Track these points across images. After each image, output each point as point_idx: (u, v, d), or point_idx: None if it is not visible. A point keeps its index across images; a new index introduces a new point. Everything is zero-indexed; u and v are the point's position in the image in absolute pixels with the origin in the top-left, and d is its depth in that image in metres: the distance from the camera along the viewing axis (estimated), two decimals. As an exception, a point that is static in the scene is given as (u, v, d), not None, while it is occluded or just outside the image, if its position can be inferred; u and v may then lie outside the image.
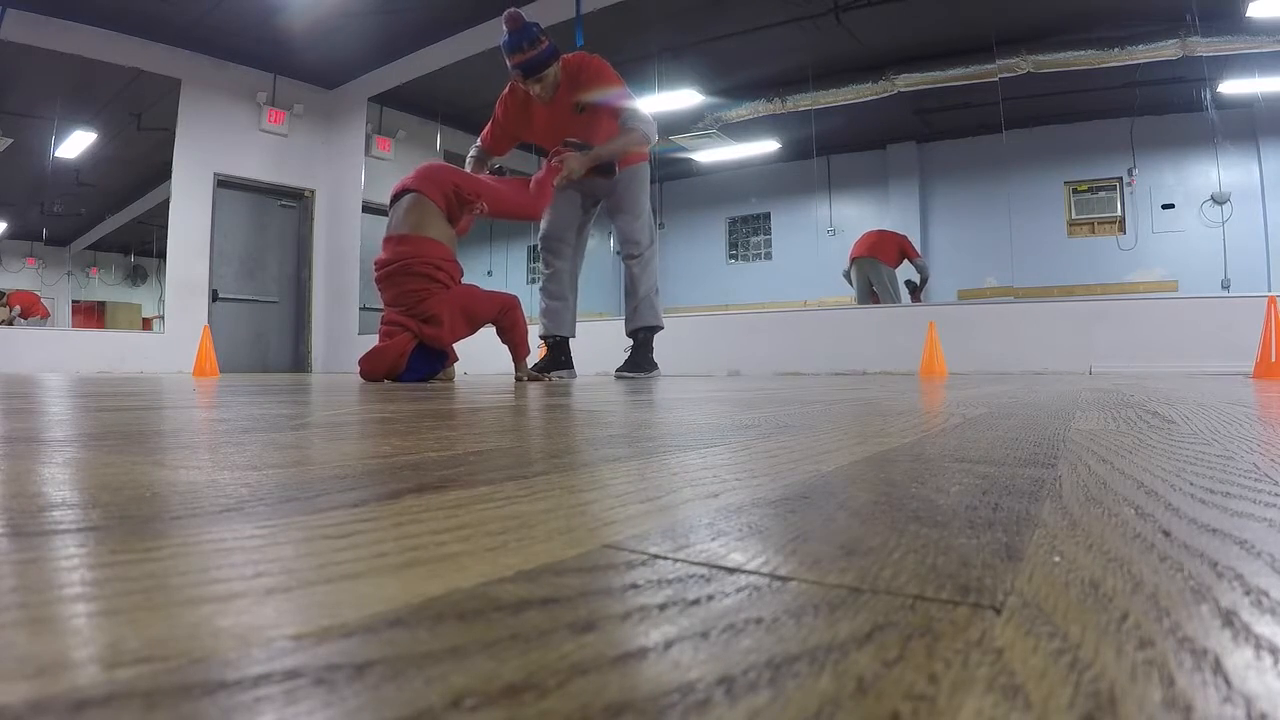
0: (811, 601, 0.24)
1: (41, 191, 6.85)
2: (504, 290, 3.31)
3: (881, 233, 6.31)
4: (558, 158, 3.25)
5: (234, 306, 7.36)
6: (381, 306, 3.14)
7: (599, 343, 4.54)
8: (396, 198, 3.13)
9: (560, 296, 3.65)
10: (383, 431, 0.88)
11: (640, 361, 3.61)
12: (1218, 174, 5.22)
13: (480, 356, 4.08)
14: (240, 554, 0.30)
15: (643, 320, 3.60)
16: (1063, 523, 0.37)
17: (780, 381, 3.06)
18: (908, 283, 6.19)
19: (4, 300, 6.70)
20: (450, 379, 3.28)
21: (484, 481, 0.49)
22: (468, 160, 3.58)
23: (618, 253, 3.71)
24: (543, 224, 3.66)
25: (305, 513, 0.38)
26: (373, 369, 2.95)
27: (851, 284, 6.25)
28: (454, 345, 3.15)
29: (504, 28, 3.26)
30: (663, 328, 3.68)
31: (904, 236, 6.29)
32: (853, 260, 6.25)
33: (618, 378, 3.53)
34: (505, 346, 3.19)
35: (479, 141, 3.59)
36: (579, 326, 3.77)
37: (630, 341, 3.67)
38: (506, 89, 3.49)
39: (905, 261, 6.23)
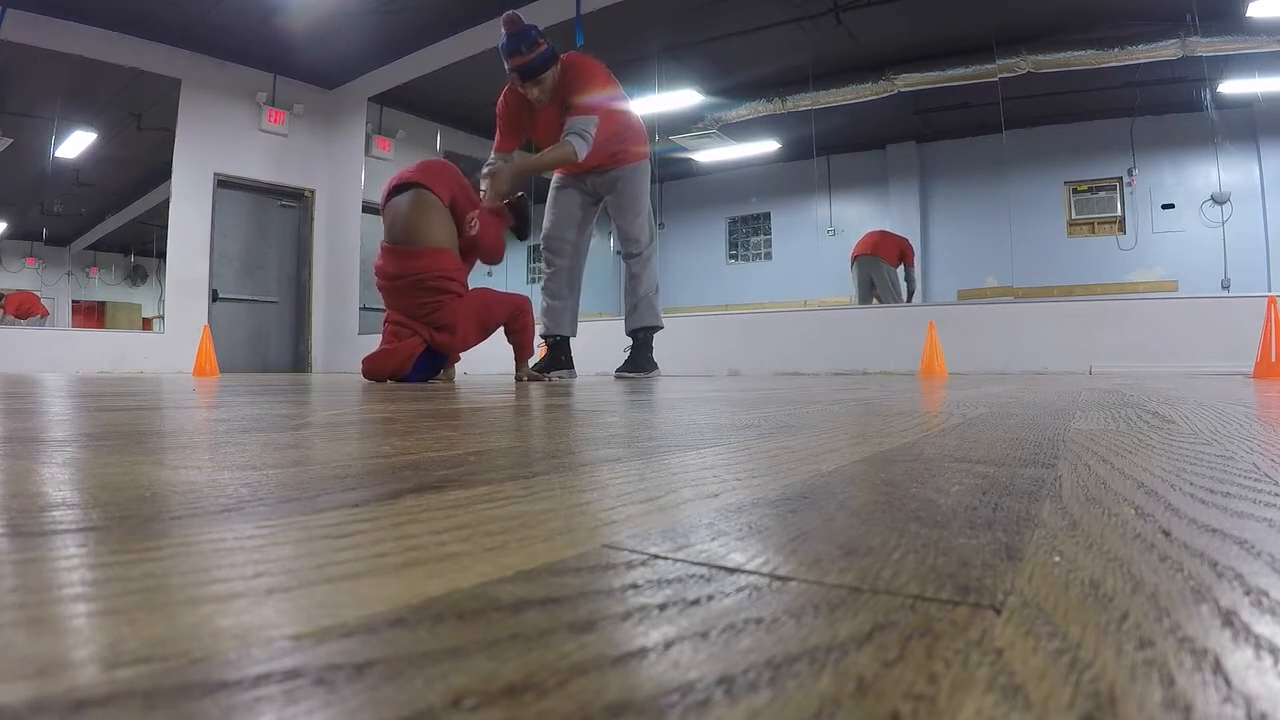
0: (811, 601, 0.24)
1: (41, 191, 6.85)
2: (511, 291, 3.29)
3: (884, 233, 6.32)
4: (487, 174, 3.16)
5: (234, 306, 7.36)
6: (383, 308, 3.11)
7: (599, 343, 4.54)
8: (395, 191, 2.99)
9: (560, 296, 3.64)
10: (383, 431, 0.88)
11: (640, 361, 3.60)
12: (1218, 174, 5.23)
13: (480, 356, 4.08)
14: (240, 554, 0.30)
15: (643, 320, 3.60)
16: (1063, 523, 0.37)
17: (780, 381, 3.06)
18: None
19: (1, 301, 6.70)
20: (451, 379, 3.28)
21: (484, 481, 0.49)
22: (483, 173, 3.36)
23: (618, 252, 3.70)
24: (545, 223, 3.65)
25: (305, 513, 0.38)
26: (377, 370, 2.90)
27: (852, 277, 6.26)
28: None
29: (502, 30, 3.23)
30: (662, 327, 3.67)
31: (906, 241, 6.30)
32: (854, 258, 6.25)
33: (618, 378, 3.53)
34: (509, 345, 3.17)
35: (493, 153, 3.48)
36: (579, 326, 3.76)
37: (630, 341, 3.66)
38: (506, 89, 3.45)
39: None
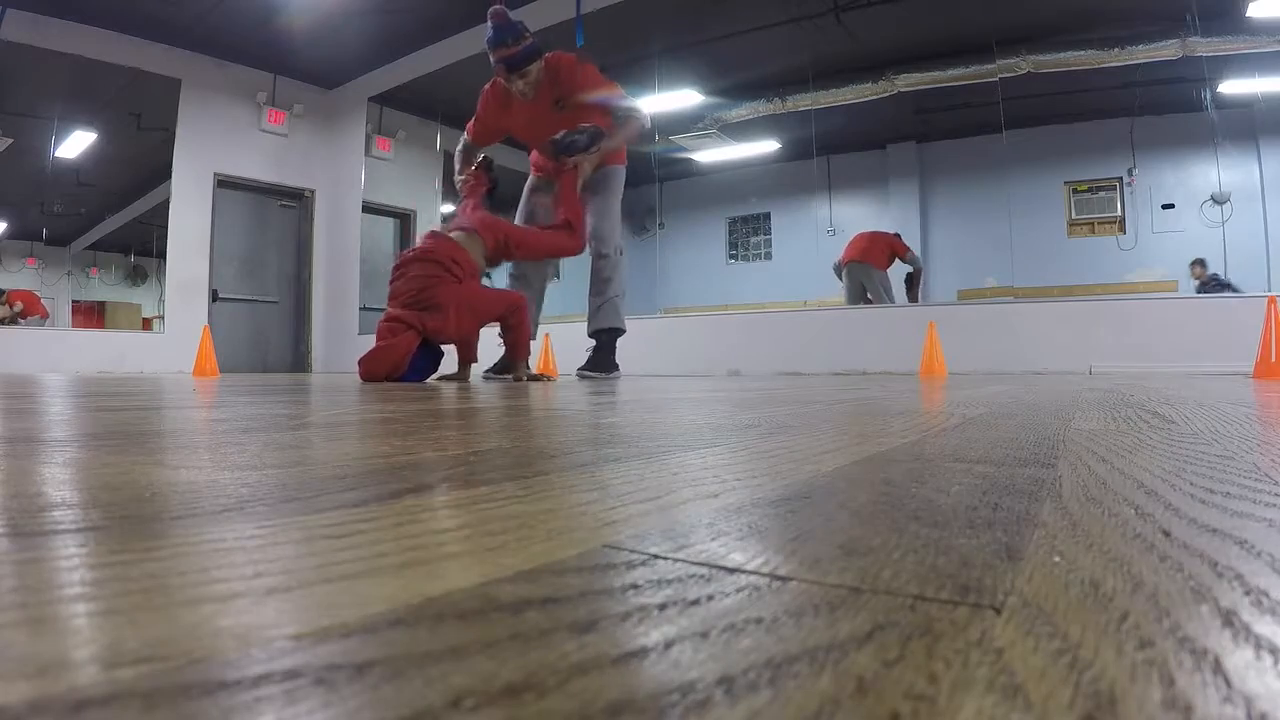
0: (811, 601, 0.24)
1: (41, 191, 6.85)
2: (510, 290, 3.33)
3: (872, 235, 6.25)
4: (570, 161, 3.27)
5: (234, 306, 7.36)
6: (383, 307, 3.13)
7: (587, 343, 4.52)
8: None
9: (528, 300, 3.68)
10: (383, 431, 0.88)
11: (602, 362, 3.59)
12: (1218, 174, 5.23)
13: (480, 357, 4.08)
14: (240, 554, 0.30)
15: (606, 321, 3.58)
16: (1063, 523, 0.37)
17: (780, 381, 3.06)
18: (908, 276, 6.13)
19: (4, 298, 6.70)
20: (466, 379, 3.26)
21: (484, 481, 0.49)
22: (457, 153, 3.58)
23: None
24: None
25: (305, 513, 0.38)
26: (374, 369, 2.89)
27: (840, 279, 6.21)
28: (472, 347, 3.16)
29: (489, 22, 3.30)
30: (625, 331, 3.64)
31: (894, 235, 6.24)
32: (844, 265, 6.20)
33: (579, 376, 3.54)
34: (506, 346, 3.18)
35: (465, 135, 3.61)
36: (570, 327, 3.78)
37: (592, 339, 3.65)
38: (489, 84, 3.51)
39: (897, 261, 6.18)
